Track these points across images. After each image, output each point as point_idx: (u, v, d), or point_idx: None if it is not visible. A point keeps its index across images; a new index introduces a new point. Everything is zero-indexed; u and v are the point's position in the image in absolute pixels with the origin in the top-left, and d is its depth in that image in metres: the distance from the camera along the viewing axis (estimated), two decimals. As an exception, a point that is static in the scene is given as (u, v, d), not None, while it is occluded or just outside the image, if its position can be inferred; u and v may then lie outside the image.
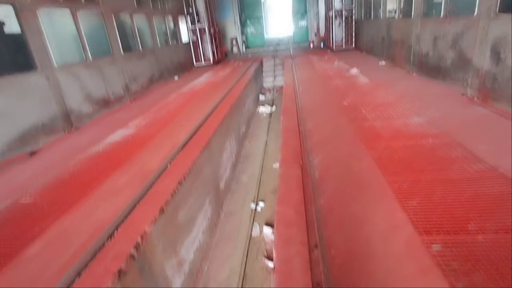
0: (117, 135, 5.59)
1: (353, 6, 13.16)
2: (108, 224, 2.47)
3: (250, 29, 21.44)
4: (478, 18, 4.92)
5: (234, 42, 19.43)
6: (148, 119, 6.56)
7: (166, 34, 12.08)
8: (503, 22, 4.39)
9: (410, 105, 5.19)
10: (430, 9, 6.69)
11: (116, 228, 2.45)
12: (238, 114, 7.79)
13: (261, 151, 7.63)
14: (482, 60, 4.89)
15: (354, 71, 8.82)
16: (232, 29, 19.08)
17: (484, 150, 3.31)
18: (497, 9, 4.51)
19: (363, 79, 7.72)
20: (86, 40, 7.09)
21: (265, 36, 23.52)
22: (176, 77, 12.35)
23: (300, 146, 4.09)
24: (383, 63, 9.77)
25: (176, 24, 13.23)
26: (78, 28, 6.87)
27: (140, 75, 9.58)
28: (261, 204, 5.29)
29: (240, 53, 19.26)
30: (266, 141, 8.07)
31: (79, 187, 3.48)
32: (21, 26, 5.38)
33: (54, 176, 3.94)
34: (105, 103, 7.64)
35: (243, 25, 20.51)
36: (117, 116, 7.18)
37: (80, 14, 7.00)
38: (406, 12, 7.95)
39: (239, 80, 10.06)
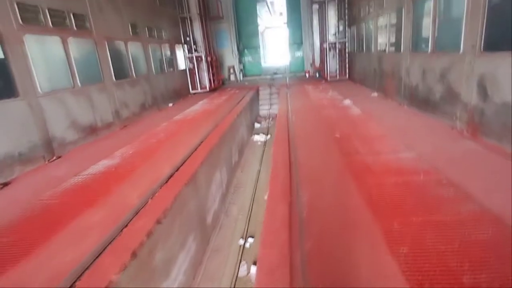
0: (100, 165, 5.42)
1: (346, 39, 13.51)
2: (69, 272, 2.26)
3: (247, 58, 21.87)
4: (464, 55, 4.97)
5: (231, 70, 19.75)
6: (135, 148, 6.41)
7: (161, 61, 12.21)
8: (487, 60, 4.42)
9: (401, 139, 5.12)
10: (418, 44, 6.81)
11: (79, 276, 2.23)
12: (230, 143, 7.68)
13: (253, 181, 7.46)
14: (470, 95, 4.88)
15: (347, 101, 8.85)
16: (230, 58, 19.45)
17: (476, 188, 3.18)
18: (481, 47, 4.55)
19: (355, 110, 7.72)
20: (76, 66, 7.08)
21: (262, 65, 23.98)
22: (170, 104, 12.37)
23: (290, 179, 3.94)
24: (375, 94, 9.85)
25: (173, 51, 13.43)
26: (67, 55, 6.87)
27: (132, 101, 9.54)
28: (250, 240, 5.06)
29: (237, 81, 19.53)
30: (259, 170, 7.92)
31: (47, 225, 3.26)
32: (4, 52, 5.32)
33: (22, 212, 3.72)
34: (92, 130, 7.52)
35: (240, 54, 20.95)
36: (103, 144, 7.04)
37: (71, 41, 7.03)
38: (396, 46, 8.10)
39: (233, 108, 10.05)
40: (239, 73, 20.03)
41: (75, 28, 7.26)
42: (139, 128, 8.55)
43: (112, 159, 5.84)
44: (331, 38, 13.83)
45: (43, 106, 6.13)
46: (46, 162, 6.01)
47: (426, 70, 6.31)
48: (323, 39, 15.24)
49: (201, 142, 6.33)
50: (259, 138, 10.91)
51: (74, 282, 2.23)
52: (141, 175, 4.73)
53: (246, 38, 21.49)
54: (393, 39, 8.31)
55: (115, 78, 8.73)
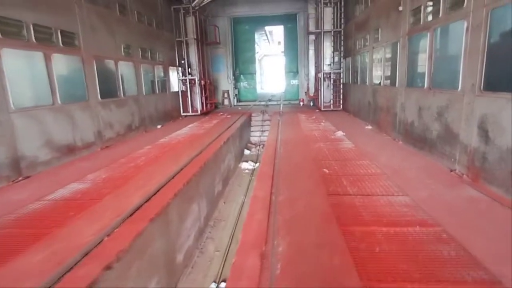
0: (67, 190, 4.93)
1: (341, 70, 13.47)
2: None
3: (243, 84, 21.93)
4: (463, 94, 4.70)
5: (225, 94, 19.58)
6: (110, 172, 5.95)
7: (153, 82, 11.95)
8: (489, 100, 4.13)
9: (395, 179, 4.72)
10: (414, 80, 6.60)
11: None
12: (213, 171, 7.24)
13: (235, 214, 6.95)
14: (470, 136, 4.56)
15: (340, 134, 8.54)
16: (225, 83, 19.35)
17: (482, 249, 2.75)
18: (481, 86, 4.28)
19: (347, 144, 7.38)
20: (58, 83, 6.72)
21: (258, 91, 23.96)
22: (159, 126, 12.00)
23: (268, 224, 3.47)
24: (369, 127, 9.58)
25: (166, 73, 13.23)
26: (49, 72, 6.52)
27: (117, 122, 9.14)
28: (222, 285, 4.50)
29: (230, 105, 19.33)
30: (243, 202, 7.42)
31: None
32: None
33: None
34: (69, 150, 7.05)
35: (236, 79, 20.97)
36: (78, 166, 6.56)
37: (55, 58, 6.71)
38: (391, 80, 7.92)
39: (222, 134, 9.68)
40: (234, 98, 19.89)
41: (61, 45, 6.97)
42: (120, 150, 8.10)
43: (83, 183, 5.36)
44: (326, 68, 13.78)
45: (15, 122, 5.71)
46: (10, 183, 5.49)
47: (422, 107, 6.04)
48: (318, 68, 15.23)
49: (181, 170, 5.88)
50: (247, 166, 10.48)
51: None
52: (106, 205, 4.23)
53: (243, 64, 21.64)
54: (388, 73, 8.15)
55: (101, 97, 8.38)
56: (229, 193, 8.19)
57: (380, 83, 8.65)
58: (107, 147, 8.49)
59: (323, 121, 11.36)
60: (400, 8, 6.82)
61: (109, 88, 9.03)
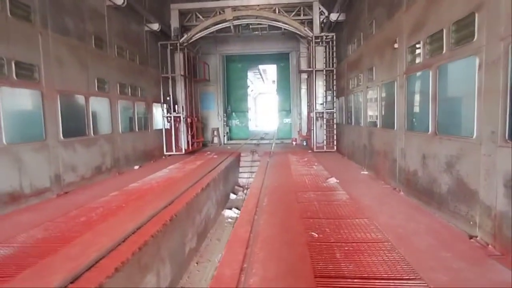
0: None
1: (334, 109, 12.82)
2: None
3: (235, 121, 21.39)
4: (479, 143, 3.82)
5: (215, 132, 18.82)
6: (51, 230, 4.86)
7: (132, 119, 11.10)
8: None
9: (403, 251, 3.68)
10: (415, 123, 5.79)
11: None
12: (185, 225, 6.13)
13: (208, 279, 5.76)
14: (493, 196, 3.61)
15: (333, 181, 7.56)
16: (215, 120, 18.68)
17: None
18: (506, 135, 3.41)
19: (341, 195, 6.37)
20: (4, 121, 5.79)
21: (250, 129, 23.32)
22: (136, 167, 10.97)
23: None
24: (365, 172, 8.65)
25: (149, 110, 12.46)
26: (-6, 108, 5.63)
27: (82, 164, 8.12)
28: None
29: (220, 144, 18.49)
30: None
31: None
32: None
33: None
34: (12, 199, 5.95)
35: (228, 117, 20.43)
36: (13, 220, 5.43)
37: (4, 91, 5.85)
38: (387, 123, 7.12)
39: (204, 177, 8.67)
40: (224, 136, 19.12)
41: (14, 77, 6.14)
42: (79, 197, 7.01)
43: (5, 249, 4.22)
44: (318, 107, 13.14)
45: None
46: None
47: (426, 154, 5.15)
48: (310, 108, 14.63)
49: (139, 228, 4.80)
50: (230, 214, 9.34)
51: None
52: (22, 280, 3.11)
53: (235, 102, 21.23)
54: (384, 115, 7.38)
55: (64, 136, 7.44)
56: (206, 250, 7.00)
57: (376, 124, 7.85)
58: (65, 193, 7.40)
59: (315, 164, 10.43)
60: (396, 46, 6.20)
61: (75, 125, 8.13)
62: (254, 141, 19.23)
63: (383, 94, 7.32)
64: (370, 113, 8.57)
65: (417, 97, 5.74)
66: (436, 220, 4.69)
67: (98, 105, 9.12)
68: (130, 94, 10.83)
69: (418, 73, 5.46)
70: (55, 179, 7.15)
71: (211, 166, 10.69)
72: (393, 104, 6.60)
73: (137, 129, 11.39)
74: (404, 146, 6.07)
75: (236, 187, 12.63)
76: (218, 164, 11.10)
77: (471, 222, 3.98)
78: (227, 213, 9.45)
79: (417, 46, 5.41)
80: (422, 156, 5.30)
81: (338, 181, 7.58)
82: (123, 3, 9.28)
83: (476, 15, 3.78)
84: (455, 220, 4.34)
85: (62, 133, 7.39)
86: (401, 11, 6.05)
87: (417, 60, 5.45)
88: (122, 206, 6.23)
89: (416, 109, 5.76)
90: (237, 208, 9.70)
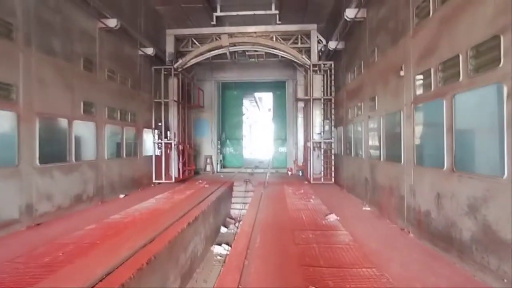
0: None
1: (332, 140, 12.35)
2: None
3: (229, 149, 20.88)
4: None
5: (208, 160, 18.18)
6: (6, 274, 4.08)
7: (120, 145, 10.48)
8: None
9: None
10: (426, 157, 5.25)
11: None
12: (167, 267, 5.38)
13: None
14: (532, 248, 3.00)
15: (333, 218, 6.90)
16: (208, 148, 18.12)
17: None
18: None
19: (344, 236, 5.70)
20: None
21: (245, 156, 22.71)
22: (122, 195, 10.21)
23: None
24: (367, 208, 8.00)
25: (139, 136, 11.88)
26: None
27: (60, 192, 7.40)
28: None
29: (213, 172, 17.80)
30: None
31: None
32: None
33: None
34: (-32, 234, 5.19)
35: (222, 144, 19.92)
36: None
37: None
38: (393, 156, 6.61)
39: (192, 209, 7.98)
40: (217, 164, 18.48)
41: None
42: (51, 231, 6.26)
43: None
44: (316, 137, 12.68)
45: None
46: None
47: (442, 194, 4.58)
48: (307, 137, 14.18)
49: (111, 272, 4.08)
50: (220, 250, 8.54)
51: None
52: None
53: (230, 129, 20.82)
54: (388, 147, 6.88)
55: (41, 162, 6.79)
56: (190, 294, 6.18)
57: (379, 157, 7.32)
58: (37, 225, 6.64)
59: (313, 197, 9.77)
60: (402, 73, 5.81)
61: (55, 150, 7.51)
62: (249, 170, 18.61)
63: (387, 125, 6.86)
64: (372, 144, 8.07)
65: (428, 129, 5.26)
66: (458, 272, 4.03)
67: (83, 129, 8.55)
68: (119, 119, 10.29)
69: (429, 103, 5.01)
70: (26, 210, 6.40)
71: (201, 196, 9.99)
72: (399, 135, 6.12)
73: (125, 156, 10.74)
74: (414, 182, 5.50)
75: (227, 219, 11.84)
76: (209, 194, 10.40)
77: (505, 280, 3.34)
78: (217, 249, 8.65)
79: (427, 73, 5.00)
80: (436, 195, 4.73)
81: (338, 218, 6.92)
82: (116, 26, 8.97)
83: (502, 38, 3.37)
84: (483, 274, 3.69)
85: (39, 159, 6.75)
86: (407, 37, 5.72)
87: (427, 89, 5.01)
88: (96, 244, 5.49)
89: (428, 142, 5.26)
90: (228, 244, 8.90)
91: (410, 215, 5.68)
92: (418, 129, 5.37)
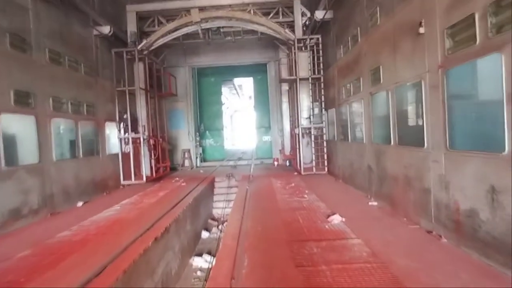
0: None
1: (323, 124, 10.98)
2: None
3: (209, 141, 19.28)
4: None
5: (186, 154, 16.53)
6: None
7: (74, 143, 8.73)
8: None
9: None
10: (468, 139, 3.92)
11: None
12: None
13: None
14: None
15: (337, 220, 5.55)
16: (185, 141, 16.44)
17: None
18: None
19: (358, 247, 4.33)
20: None
21: (227, 148, 21.19)
22: (80, 203, 8.52)
23: None
24: (374, 203, 6.72)
25: (100, 131, 10.12)
26: None
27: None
28: None
29: (192, 167, 16.21)
30: None
31: None
32: None
33: None
34: None
35: (201, 136, 18.31)
36: None
37: None
38: (409, 138, 5.28)
39: (164, 216, 6.50)
40: (196, 158, 16.88)
41: None
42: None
43: None
44: (304, 122, 11.29)
45: None
46: None
47: (500, 188, 3.26)
48: (294, 123, 12.78)
49: None
50: (200, 262, 7.10)
51: None
52: None
53: (209, 120, 19.21)
54: (403, 128, 5.53)
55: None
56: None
57: (388, 141, 5.98)
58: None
59: (306, 191, 8.42)
60: (421, 30, 4.41)
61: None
62: (231, 162, 17.13)
63: (399, 101, 5.51)
64: (376, 126, 6.74)
65: (470, 100, 3.92)
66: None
67: (18, 126, 6.80)
68: (70, 112, 8.49)
69: (471, 62, 3.63)
70: None
71: (176, 197, 8.47)
72: (417, 112, 4.77)
73: (81, 155, 8.99)
74: (446, 171, 4.18)
75: (209, 221, 10.41)
76: (186, 195, 8.87)
77: None
78: (196, 262, 7.19)
79: (466, 22, 3.61)
80: (488, 190, 3.41)
81: (343, 219, 5.58)
82: None
83: None
84: None
85: None
86: None
87: (468, 44, 3.63)
88: (20, 282, 3.92)
89: (471, 118, 3.92)
90: (210, 254, 7.47)
91: (440, 214, 4.38)
92: (452, 101, 4.00)
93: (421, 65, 4.58)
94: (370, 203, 6.75)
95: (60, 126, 8.21)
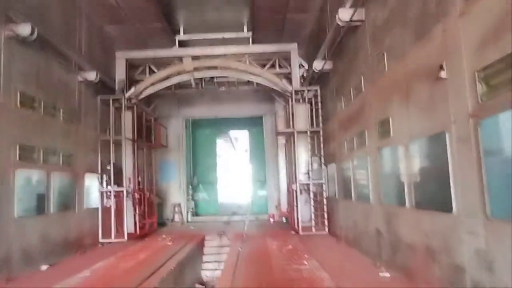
0: None
1: (323, 180, 10.20)
2: None
3: (202, 195, 18.39)
4: None
5: (176, 209, 15.44)
6: None
7: (43, 197, 7.77)
8: None
9: None
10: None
11: None
12: None
13: None
14: None
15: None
16: (175, 194, 15.48)
17: None
18: None
19: None
20: None
21: (221, 201, 20.26)
22: (44, 267, 7.32)
23: None
24: (386, 274, 5.66)
25: (77, 184, 9.23)
26: None
27: None
28: None
29: (182, 222, 15.07)
30: None
31: None
32: None
33: None
34: None
35: (194, 189, 17.46)
36: None
37: None
38: (429, 200, 4.47)
39: (144, 283, 5.38)
40: (187, 212, 15.78)
41: None
42: None
43: None
44: (302, 178, 10.53)
45: None
46: None
47: None
48: (291, 178, 12.01)
49: None
50: None
51: None
52: None
53: (202, 173, 18.58)
54: (421, 188, 4.72)
55: None
56: None
57: (402, 202, 5.15)
58: None
59: (306, 256, 7.36)
60: (443, 75, 3.85)
61: None
62: (225, 218, 16.03)
63: (416, 156, 4.80)
64: (386, 184, 5.96)
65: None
66: None
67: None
68: (42, 162, 7.66)
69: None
70: None
71: (158, 261, 7.35)
72: (441, 170, 4.03)
73: (52, 210, 7.97)
74: (488, 246, 3.30)
75: (197, 285, 9.13)
76: (170, 257, 7.74)
77: None
78: None
79: (507, 61, 3.00)
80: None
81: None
82: (31, 34, 6.62)
83: None
84: None
85: None
86: (450, 18, 3.78)
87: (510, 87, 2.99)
88: None
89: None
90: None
91: (483, 300, 3.40)
92: (491, 157, 3.26)
93: (444, 114, 3.94)
94: (381, 274, 5.69)
95: (30, 177, 7.33)
